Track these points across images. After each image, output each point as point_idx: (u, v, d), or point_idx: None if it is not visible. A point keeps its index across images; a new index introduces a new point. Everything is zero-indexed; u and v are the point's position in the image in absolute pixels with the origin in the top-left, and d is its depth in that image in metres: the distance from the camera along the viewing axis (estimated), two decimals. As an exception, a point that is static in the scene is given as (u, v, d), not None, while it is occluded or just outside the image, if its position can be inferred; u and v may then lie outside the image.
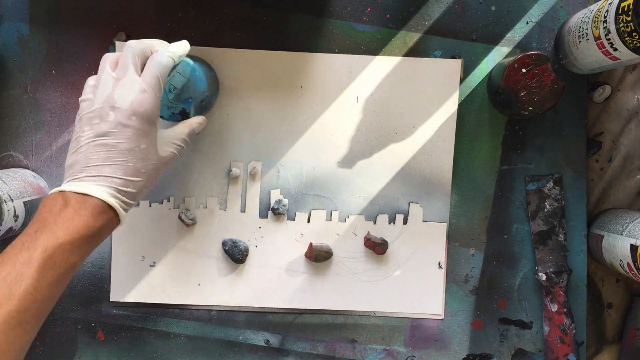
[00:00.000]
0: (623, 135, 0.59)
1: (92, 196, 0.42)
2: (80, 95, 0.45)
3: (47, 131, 0.57)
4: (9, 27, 0.56)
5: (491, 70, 0.57)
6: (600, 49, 0.49)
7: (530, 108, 0.53)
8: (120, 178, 0.44)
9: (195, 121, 0.50)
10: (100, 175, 0.43)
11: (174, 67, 0.50)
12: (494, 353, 0.59)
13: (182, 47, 0.48)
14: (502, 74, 0.53)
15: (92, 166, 0.43)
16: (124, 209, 0.44)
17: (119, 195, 0.44)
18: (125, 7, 0.57)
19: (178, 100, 0.51)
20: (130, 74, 0.45)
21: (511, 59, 0.53)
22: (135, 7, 0.57)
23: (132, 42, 0.46)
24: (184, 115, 0.51)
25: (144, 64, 0.46)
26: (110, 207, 0.43)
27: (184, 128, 0.49)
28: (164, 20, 0.57)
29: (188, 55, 0.51)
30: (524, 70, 0.53)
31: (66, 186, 0.43)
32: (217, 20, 0.57)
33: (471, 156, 0.58)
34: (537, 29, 0.57)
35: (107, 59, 0.46)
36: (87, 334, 0.58)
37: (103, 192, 0.43)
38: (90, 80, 0.46)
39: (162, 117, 0.51)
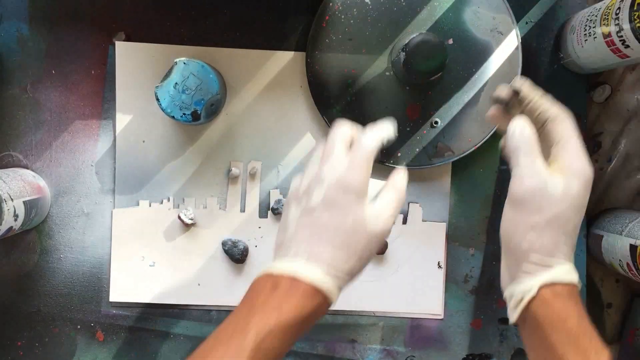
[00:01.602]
0: (623, 135, 0.59)
1: (301, 279, 0.39)
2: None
3: (47, 131, 0.57)
4: (9, 27, 0.56)
5: None
6: (609, 46, 0.49)
7: None
8: (329, 255, 0.40)
9: (400, 183, 0.44)
10: (309, 253, 0.40)
11: (189, 69, 0.51)
12: (494, 353, 0.59)
13: (387, 130, 0.44)
14: None
15: (299, 243, 0.41)
16: (334, 290, 0.40)
17: (328, 276, 0.40)
18: (125, 7, 0.57)
19: (190, 102, 0.52)
20: (337, 152, 0.42)
21: None
22: (135, 7, 0.57)
23: (342, 127, 0.44)
24: (194, 117, 0.52)
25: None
26: (320, 290, 0.40)
27: (390, 195, 0.43)
28: (164, 20, 0.57)
29: (200, 60, 0.52)
30: None
31: (274, 266, 0.41)
32: (217, 20, 0.57)
33: (471, 156, 0.58)
34: (537, 29, 0.57)
35: (317, 147, 0.45)
36: (86, 334, 0.58)
37: (312, 271, 0.40)
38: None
39: (172, 117, 0.52)
